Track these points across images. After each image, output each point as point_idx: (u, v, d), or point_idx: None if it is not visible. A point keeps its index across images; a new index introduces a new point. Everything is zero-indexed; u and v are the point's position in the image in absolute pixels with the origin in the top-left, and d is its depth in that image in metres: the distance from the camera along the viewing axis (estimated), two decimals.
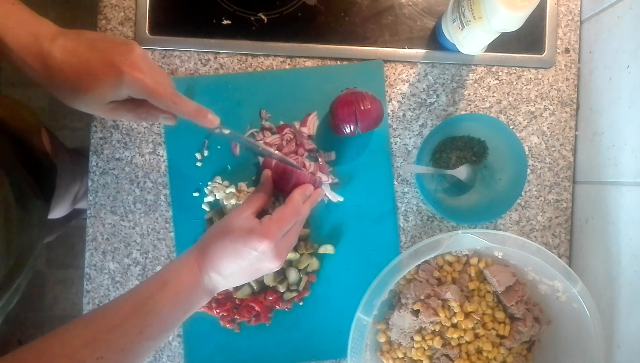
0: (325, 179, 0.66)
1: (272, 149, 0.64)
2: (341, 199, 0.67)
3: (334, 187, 0.68)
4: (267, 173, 0.62)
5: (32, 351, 0.44)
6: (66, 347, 0.44)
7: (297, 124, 0.67)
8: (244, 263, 0.53)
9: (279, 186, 0.63)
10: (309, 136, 0.67)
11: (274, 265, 0.54)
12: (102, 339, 0.45)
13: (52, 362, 0.43)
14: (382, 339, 0.67)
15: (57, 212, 0.93)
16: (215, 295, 0.56)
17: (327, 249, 0.68)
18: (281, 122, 0.68)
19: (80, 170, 0.88)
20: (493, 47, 0.68)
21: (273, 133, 0.67)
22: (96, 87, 0.48)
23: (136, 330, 0.47)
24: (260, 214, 0.57)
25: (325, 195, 0.67)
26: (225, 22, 0.68)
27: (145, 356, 0.50)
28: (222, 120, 0.67)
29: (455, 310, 0.64)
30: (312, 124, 0.67)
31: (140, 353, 0.48)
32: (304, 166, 0.66)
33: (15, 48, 0.47)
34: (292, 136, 0.66)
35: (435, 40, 0.69)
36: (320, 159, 0.67)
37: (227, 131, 0.57)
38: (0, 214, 0.57)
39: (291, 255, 0.65)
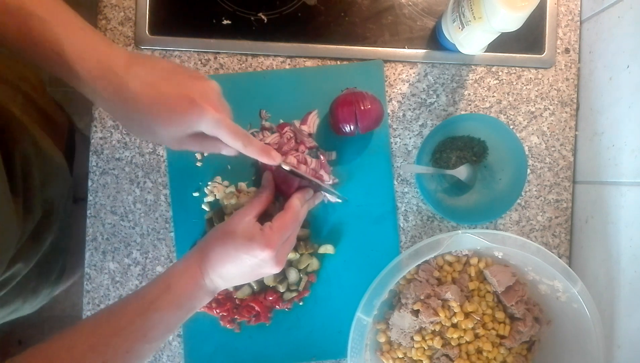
0: (327, 178, 0.66)
1: (320, 181, 0.64)
2: (346, 198, 0.67)
3: (334, 186, 0.68)
4: (268, 175, 0.62)
5: (39, 356, 0.44)
6: (73, 351, 0.45)
7: (297, 123, 0.67)
8: (245, 269, 0.54)
9: (281, 190, 0.63)
10: (310, 135, 0.67)
11: (274, 271, 0.55)
12: (107, 343, 0.46)
13: None
14: (382, 339, 0.67)
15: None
16: (216, 294, 0.56)
17: (327, 249, 0.68)
18: (281, 121, 0.68)
19: None
20: (493, 47, 0.68)
21: (273, 133, 0.67)
22: (174, 122, 0.47)
23: (140, 333, 0.48)
24: (262, 216, 0.58)
25: (325, 196, 0.67)
26: (225, 22, 0.68)
27: (148, 357, 0.51)
28: None
29: (455, 310, 0.64)
30: (312, 123, 0.67)
31: (143, 354, 0.49)
32: (306, 163, 0.66)
33: (87, 77, 0.45)
34: (292, 135, 0.66)
35: (435, 40, 0.69)
36: (322, 157, 0.66)
37: (287, 168, 0.58)
38: (18, 168, 0.56)
39: (291, 255, 0.65)
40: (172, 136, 0.49)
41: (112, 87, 0.46)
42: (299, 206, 0.58)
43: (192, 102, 0.47)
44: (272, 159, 0.54)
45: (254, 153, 0.52)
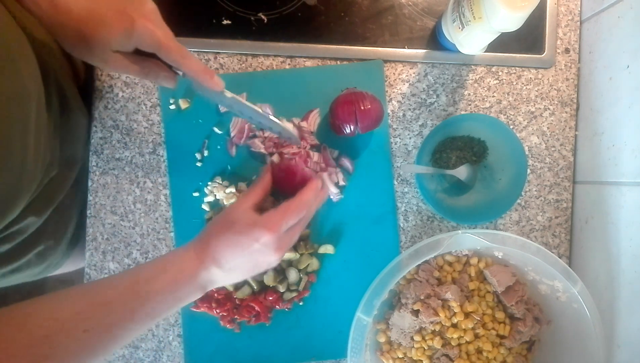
0: (332, 170, 0.66)
1: (270, 111, 0.63)
2: (342, 196, 0.67)
3: (341, 188, 0.68)
4: (267, 167, 0.62)
5: (21, 310, 0.43)
6: (57, 312, 0.44)
7: (296, 120, 0.67)
8: (245, 256, 0.52)
9: (282, 185, 0.62)
10: (310, 133, 0.67)
11: (273, 259, 0.54)
12: (93, 312, 0.45)
13: (40, 324, 0.43)
14: (382, 339, 0.67)
15: None
16: (207, 292, 0.55)
17: (327, 249, 0.68)
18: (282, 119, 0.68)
19: None
20: (493, 47, 0.68)
21: None
22: (104, 31, 0.47)
23: (127, 309, 0.47)
24: (260, 212, 0.57)
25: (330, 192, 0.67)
26: (225, 22, 0.68)
27: (128, 339, 0.49)
28: (222, 119, 0.67)
29: (455, 310, 0.64)
30: (313, 121, 0.67)
31: (125, 334, 0.48)
32: (309, 156, 0.66)
33: None
34: None
35: (435, 40, 0.69)
36: (326, 151, 0.67)
37: (229, 95, 0.56)
38: (32, 110, 0.52)
39: (291, 255, 0.65)
40: (105, 49, 0.48)
41: None
42: (309, 197, 0.57)
43: (123, 13, 0.47)
44: (213, 83, 0.52)
45: (192, 68, 0.51)
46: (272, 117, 0.60)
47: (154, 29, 0.48)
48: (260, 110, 0.59)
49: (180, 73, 0.53)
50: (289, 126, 0.63)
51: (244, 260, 0.53)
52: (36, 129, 0.51)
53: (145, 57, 0.51)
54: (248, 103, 0.58)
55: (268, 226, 0.52)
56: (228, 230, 0.53)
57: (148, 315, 0.49)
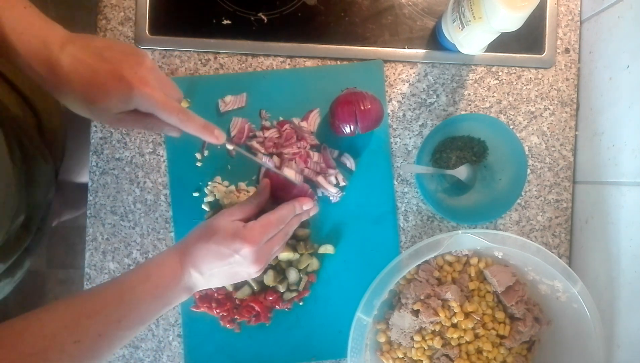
0: (332, 171, 0.66)
1: (271, 164, 0.65)
2: (343, 193, 0.67)
3: (341, 188, 0.68)
4: (266, 182, 0.62)
5: (11, 329, 0.43)
6: (45, 328, 0.44)
7: (296, 120, 0.67)
8: (224, 266, 0.54)
9: (278, 196, 0.62)
10: (310, 133, 0.67)
11: (252, 270, 0.55)
12: (80, 324, 0.46)
13: (31, 342, 0.43)
14: (382, 339, 0.67)
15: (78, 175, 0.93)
16: (194, 293, 0.55)
17: (327, 249, 0.68)
18: (281, 118, 0.68)
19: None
20: (493, 47, 0.68)
21: (271, 127, 0.67)
22: (104, 99, 0.48)
23: (114, 318, 0.48)
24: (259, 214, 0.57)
25: (322, 192, 0.67)
26: (225, 22, 0.68)
27: (119, 345, 0.50)
28: (222, 119, 0.67)
29: (455, 310, 0.64)
30: (313, 121, 0.67)
31: (115, 341, 0.49)
32: (309, 156, 0.66)
33: (23, 53, 0.46)
34: (291, 131, 0.66)
35: (435, 40, 0.69)
36: (326, 151, 0.67)
37: (230, 147, 0.59)
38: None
39: (291, 255, 0.65)
40: (107, 113, 0.50)
41: (47, 64, 0.47)
42: (289, 211, 0.58)
43: (120, 79, 0.47)
44: (214, 138, 0.53)
45: (193, 129, 0.52)
46: (274, 169, 0.63)
47: (151, 93, 0.49)
48: (261, 161, 0.63)
49: None
50: (291, 173, 0.64)
51: (224, 269, 0.54)
52: (2, 179, 0.51)
53: (147, 114, 0.52)
54: (250, 155, 0.61)
55: (247, 238, 0.53)
56: (210, 239, 0.53)
57: (136, 321, 0.50)
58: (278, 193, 0.62)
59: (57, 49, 0.47)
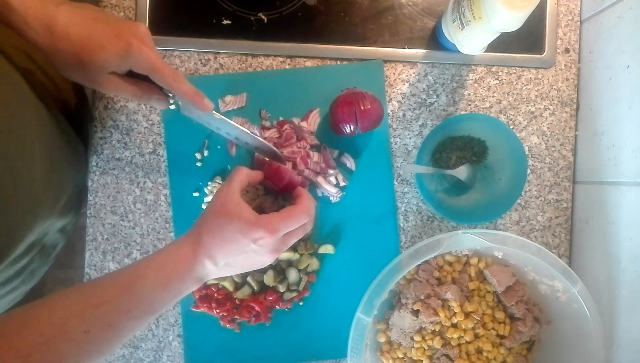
0: (332, 171, 0.66)
1: (257, 132, 0.65)
2: (343, 193, 0.67)
3: (341, 188, 0.68)
4: (258, 157, 0.63)
5: (20, 317, 0.43)
6: (54, 316, 0.44)
7: (296, 120, 0.67)
8: (240, 255, 0.52)
9: (272, 181, 0.62)
10: (310, 133, 0.67)
11: (267, 259, 0.54)
12: (90, 313, 0.45)
13: (38, 329, 0.42)
14: (382, 339, 0.67)
15: None
16: (195, 293, 0.55)
17: (327, 249, 0.68)
18: (281, 118, 0.68)
19: None
20: (493, 47, 0.68)
21: (271, 127, 0.67)
22: (101, 53, 0.49)
23: (124, 308, 0.47)
24: (258, 211, 0.57)
25: (323, 192, 0.67)
26: (225, 22, 0.68)
27: (129, 335, 0.50)
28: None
29: (455, 310, 0.64)
30: (313, 121, 0.67)
31: (124, 331, 0.48)
32: (309, 156, 0.66)
33: (19, 9, 0.47)
34: (291, 131, 0.66)
35: (435, 40, 0.69)
36: (326, 151, 0.67)
37: (217, 116, 0.59)
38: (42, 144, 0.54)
39: (291, 255, 0.65)
40: (101, 71, 0.50)
41: (44, 21, 0.48)
42: (309, 201, 0.57)
43: (118, 36, 0.49)
44: (204, 106, 0.55)
45: (184, 92, 0.53)
46: (259, 138, 0.63)
47: (149, 51, 0.50)
48: (247, 130, 0.62)
49: (171, 95, 0.57)
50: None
51: (240, 258, 0.53)
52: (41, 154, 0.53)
53: (138, 80, 0.53)
54: (236, 124, 0.62)
55: (268, 228, 0.52)
56: (224, 228, 0.52)
57: (146, 311, 0.49)
58: (271, 181, 0.62)
59: (53, 6, 0.48)
